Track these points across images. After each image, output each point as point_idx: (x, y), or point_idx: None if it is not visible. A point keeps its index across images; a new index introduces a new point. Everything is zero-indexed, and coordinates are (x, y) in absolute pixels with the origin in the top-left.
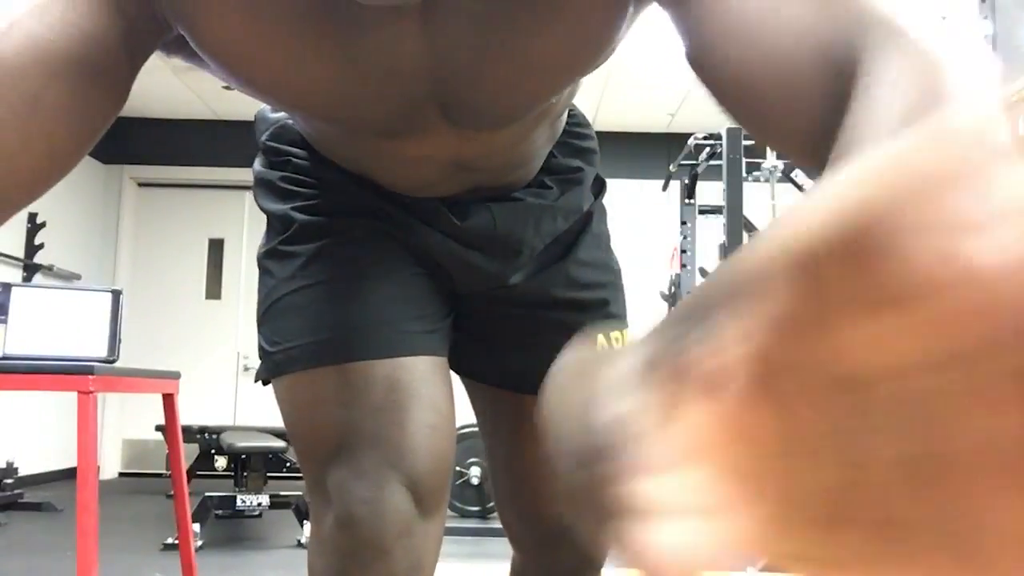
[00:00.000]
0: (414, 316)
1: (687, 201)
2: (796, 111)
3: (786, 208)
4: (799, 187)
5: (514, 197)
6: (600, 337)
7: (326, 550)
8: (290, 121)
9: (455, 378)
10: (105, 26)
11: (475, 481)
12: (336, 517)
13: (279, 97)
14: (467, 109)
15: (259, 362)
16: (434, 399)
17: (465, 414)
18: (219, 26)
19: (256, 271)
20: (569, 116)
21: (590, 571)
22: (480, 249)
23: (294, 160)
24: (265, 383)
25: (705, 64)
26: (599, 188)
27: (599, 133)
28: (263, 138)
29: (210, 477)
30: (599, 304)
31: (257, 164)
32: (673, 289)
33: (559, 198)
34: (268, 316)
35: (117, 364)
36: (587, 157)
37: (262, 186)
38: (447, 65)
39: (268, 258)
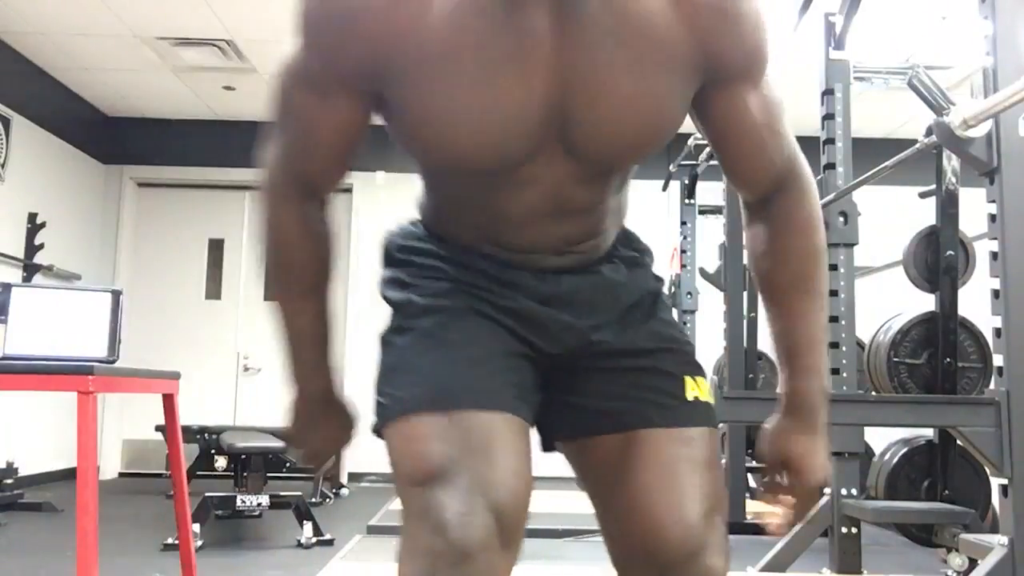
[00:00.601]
0: (510, 384)
1: (687, 201)
2: (752, 179)
3: None
4: None
5: (593, 271)
6: (688, 379)
7: (419, 554)
8: (413, 228)
9: None
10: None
11: None
12: (432, 525)
13: (459, 139)
14: (582, 133)
15: (374, 418)
16: (520, 450)
17: None
18: (419, 81)
19: (256, 271)
20: (625, 233)
21: None
22: (567, 310)
23: (416, 259)
24: (378, 435)
25: (712, 129)
26: (657, 279)
27: None
28: (395, 245)
29: (210, 477)
30: (682, 353)
31: (385, 270)
32: (673, 289)
33: (628, 275)
34: (387, 377)
35: (117, 364)
36: (644, 257)
37: (390, 283)
38: (574, 97)
39: (391, 334)
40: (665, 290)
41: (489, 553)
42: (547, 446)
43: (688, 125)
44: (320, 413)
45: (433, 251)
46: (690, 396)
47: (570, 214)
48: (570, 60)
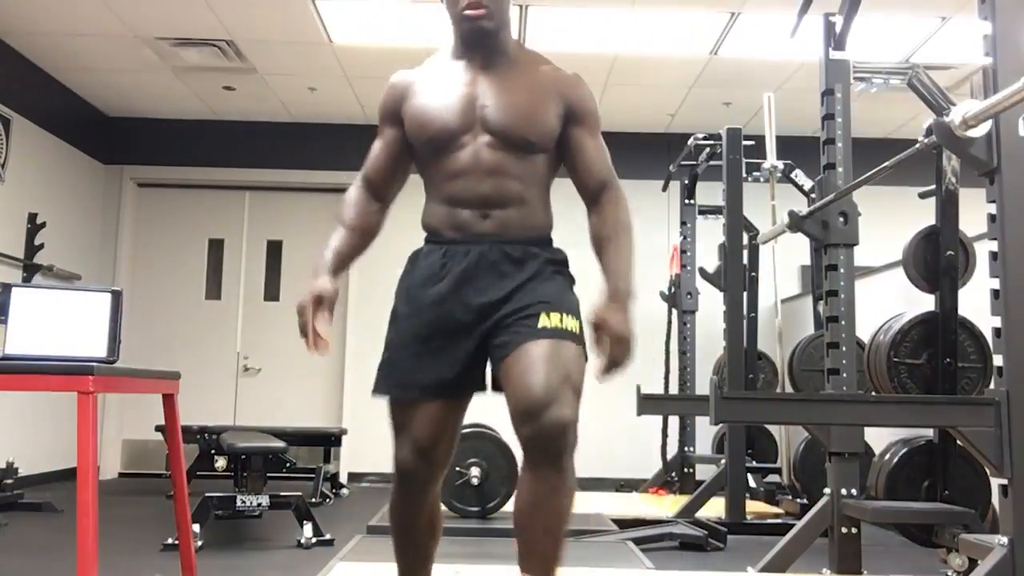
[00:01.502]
0: (432, 381)
1: (687, 201)
2: (586, 188)
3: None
4: (799, 187)
5: (494, 263)
6: (543, 315)
7: (394, 475)
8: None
9: None
10: (399, 160)
11: (475, 481)
12: (394, 460)
13: (428, 122)
14: (486, 113)
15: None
16: (429, 416)
17: (467, 417)
18: (412, 104)
19: (255, 272)
20: (549, 244)
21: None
22: (473, 288)
23: (402, 283)
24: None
25: (569, 156)
26: (561, 274)
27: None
28: (407, 265)
29: (210, 477)
30: (548, 304)
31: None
32: (673, 289)
33: (521, 270)
34: (381, 359)
35: (117, 364)
36: (555, 257)
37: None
38: (486, 100)
39: (388, 324)
40: (664, 290)
41: (418, 471)
42: (495, 386)
43: (687, 125)
44: (316, 275)
45: (408, 270)
46: (540, 324)
47: (489, 174)
48: (484, 86)
